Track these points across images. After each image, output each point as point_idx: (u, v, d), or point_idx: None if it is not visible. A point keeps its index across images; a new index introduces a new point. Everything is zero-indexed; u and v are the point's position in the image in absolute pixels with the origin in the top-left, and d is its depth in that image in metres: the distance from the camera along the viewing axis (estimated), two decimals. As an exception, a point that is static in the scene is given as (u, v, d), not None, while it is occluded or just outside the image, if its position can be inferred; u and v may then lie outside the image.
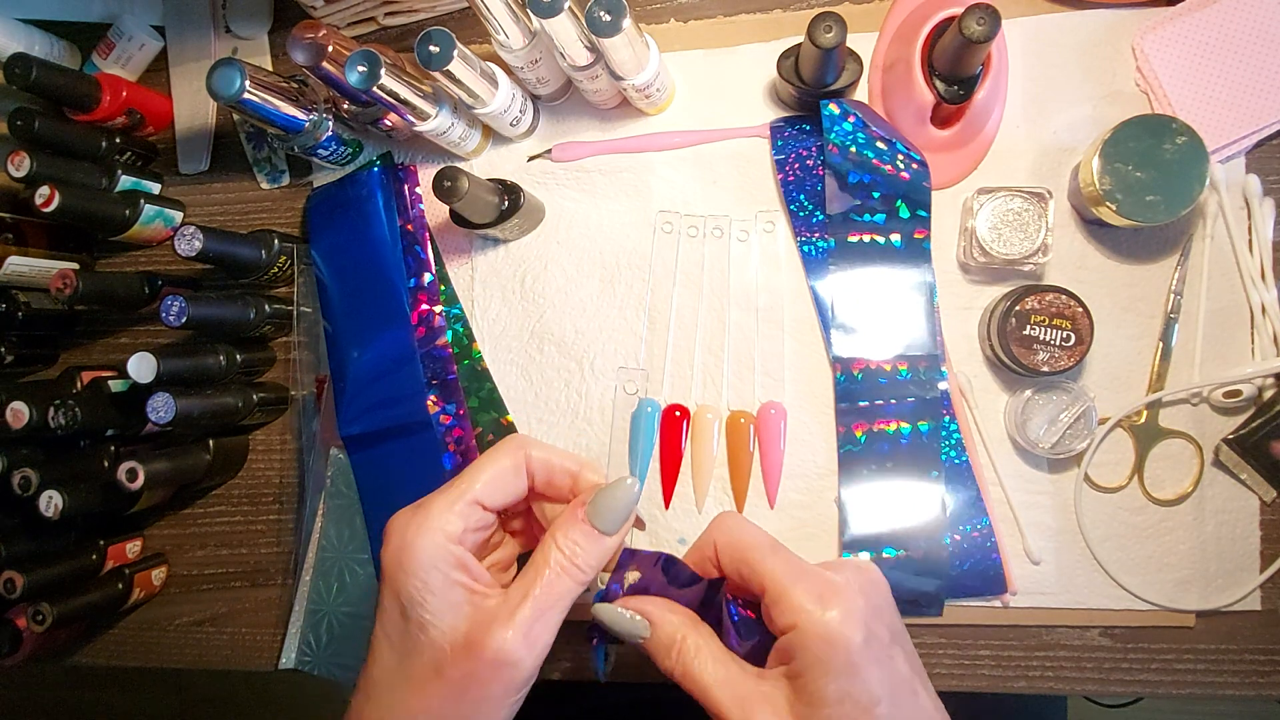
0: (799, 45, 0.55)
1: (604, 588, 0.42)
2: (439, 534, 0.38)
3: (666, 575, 0.41)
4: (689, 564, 0.42)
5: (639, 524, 0.45)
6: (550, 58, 0.56)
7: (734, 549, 0.40)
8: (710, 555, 0.42)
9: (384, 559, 0.39)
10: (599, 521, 0.40)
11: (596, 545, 0.40)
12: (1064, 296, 0.52)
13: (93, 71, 0.68)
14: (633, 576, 0.42)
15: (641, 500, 0.59)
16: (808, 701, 0.35)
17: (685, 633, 0.39)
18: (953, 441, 0.56)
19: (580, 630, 0.58)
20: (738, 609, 0.41)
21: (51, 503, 0.56)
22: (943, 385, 0.56)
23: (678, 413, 0.59)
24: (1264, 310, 0.54)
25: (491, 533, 0.43)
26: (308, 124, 0.60)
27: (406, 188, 0.65)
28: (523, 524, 0.47)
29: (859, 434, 0.57)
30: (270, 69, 0.66)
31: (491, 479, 0.40)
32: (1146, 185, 0.51)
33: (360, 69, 0.52)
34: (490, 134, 0.65)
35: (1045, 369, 0.52)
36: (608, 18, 0.49)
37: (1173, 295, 0.56)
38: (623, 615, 0.40)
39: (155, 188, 0.69)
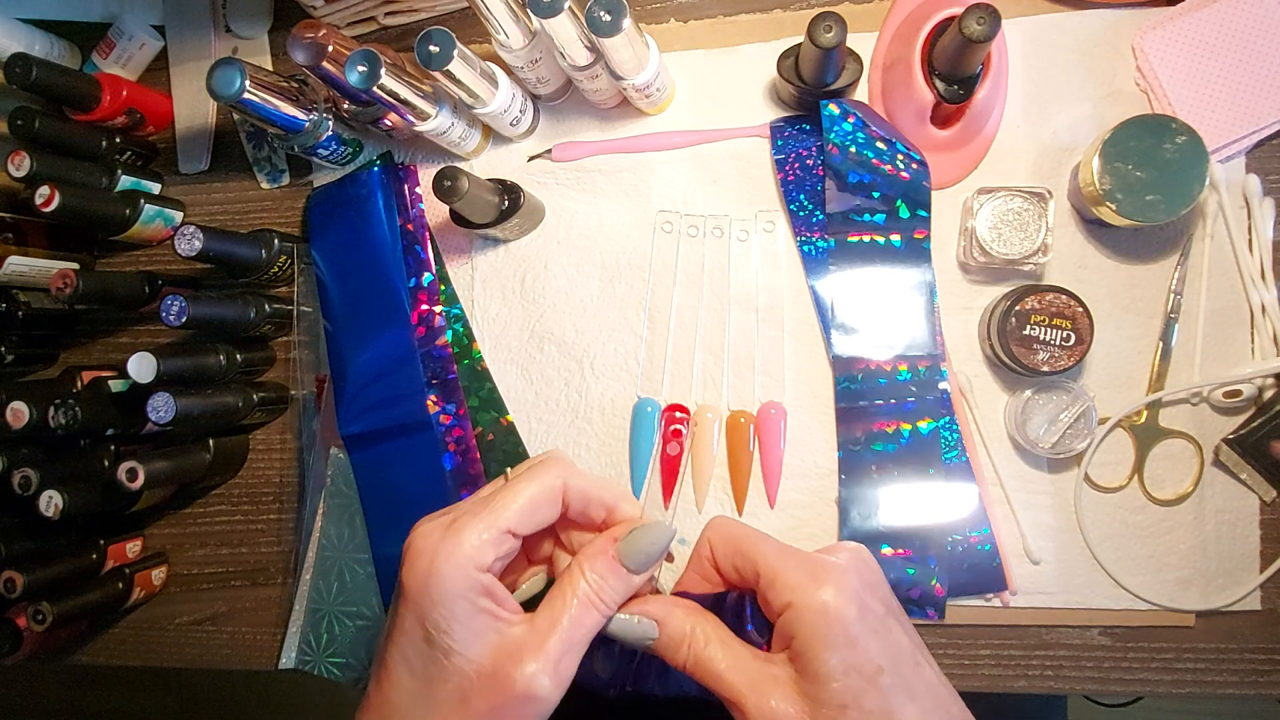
0: (799, 45, 0.55)
1: None
2: (469, 564, 0.37)
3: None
4: (691, 569, 0.43)
5: (668, 557, 0.45)
6: (550, 58, 0.56)
7: (727, 542, 0.41)
8: (707, 555, 0.42)
9: (408, 579, 0.37)
10: (629, 561, 0.39)
11: (623, 582, 0.39)
12: (1064, 296, 0.52)
13: (93, 71, 0.68)
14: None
15: (642, 500, 0.59)
16: (812, 679, 0.36)
17: (693, 624, 0.39)
18: (953, 441, 0.56)
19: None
20: (753, 606, 0.41)
21: (51, 502, 0.56)
22: (943, 385, 0.56)
23: (678, 413, 0.59)
24: (1264, 310, 0.54)
25: (516, 553, 0.42)
26: (308, 124, 0.60)
27: (406, 188, 0.65)
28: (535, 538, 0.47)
29: (859, 434, 0.57)
30: (270, 69, 0.66)
31: (527, 507, 0.39)
32: (1146, 185, 0.51)
33: (360, 69, 0.52)
34: (490, 134, 0.65)
35: (1045, 369, 0.52)
36: (608, 18, 0.49)
37: (1173, 295, 0.56)
38: (630, 621, 0.39)
39: (155, 187, 0.69)
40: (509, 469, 0.43)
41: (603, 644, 0.42)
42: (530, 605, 0.40)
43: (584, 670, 0.38)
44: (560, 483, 0.40)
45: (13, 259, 0.62)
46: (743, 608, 0.41)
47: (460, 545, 0.37)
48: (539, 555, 0.45)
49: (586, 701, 0.43)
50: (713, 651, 0.38)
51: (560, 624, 0.37)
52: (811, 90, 0.56)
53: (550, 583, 0.45)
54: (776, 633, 0.38)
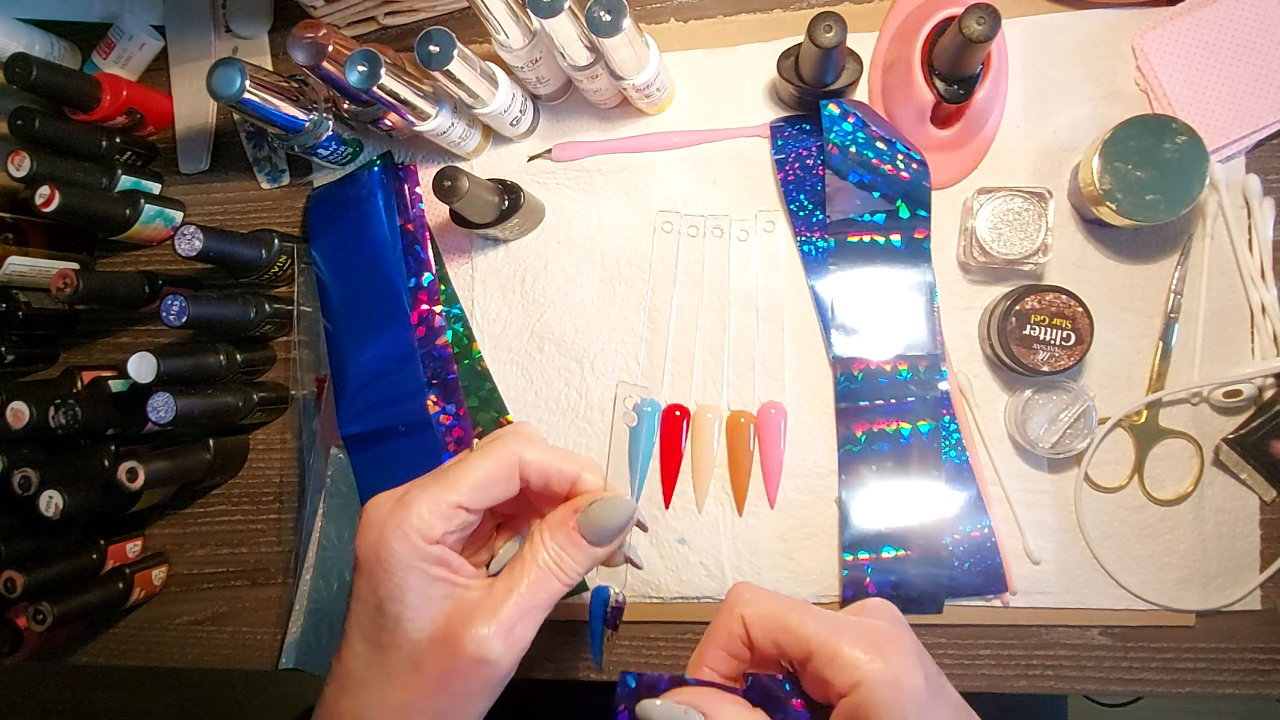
0: (799, 45, 0.55)
1: (638, 675, 0.37)
2: (417, 535, 0.37)
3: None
4: (715, 645, 0.39)
5: (641, 526, 0.44)
6: (550, 58, 0.56)
7: (766, 619, 0.37)
8: (739, 632, 0.38)
9: (360, 549, 0.38)
10: (589, 534, 0.39)
11: (584, 554, 0.39)
12: (1064, 296, 0.52)
13: (93, 71, 0.68)
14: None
15: (642, 500, 0.59)
16: None
17: None
18: (953, 441, 0.56)
19: (582, 631, 0.58)
20: (796, 694, 0.37)
21: (52, 502, 0.56)
22: (943, 385, 0.56)
23: (678, 413, 0.59)
24: (1264, 310, 0.54)
25: (477, 525, 0.42)
26: (308, 124, 0.60)
27: (406, 187, 0.65)
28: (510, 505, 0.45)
29: (859, 434, 0.57)
30: (270, 69, 0.66)
31: (480, 483, 0.38)
32: (1146, 185, 0.51)
33: (360, 69, 0.52)
34: (490, 134, 0.65)
35: (1045, 369, 0.52)
36: (608, 18, 0.49)
37: (1173, 295, 0.56)
38: (675, 710, 0.35)
39: (155, 187, 0.69)
40: (477, 440, 0.43)
41: None
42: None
43: None
44: (515, 459, 0.40)
45: (13, 259, 0.62)
46: (778, 695, 0.37)
47: (408, 518, 0.37)
48: (515, 525, 0.45)
49: (592, 704, 0.42)
50: None
51: (517, 589, 0.37)
52: (811, 90, 0.56)
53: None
54: (840, 714, 0.35)
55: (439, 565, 0.37)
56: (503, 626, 0.36)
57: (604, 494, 0.40)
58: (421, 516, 0.37)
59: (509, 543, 0.45)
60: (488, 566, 0.43)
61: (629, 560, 0.45)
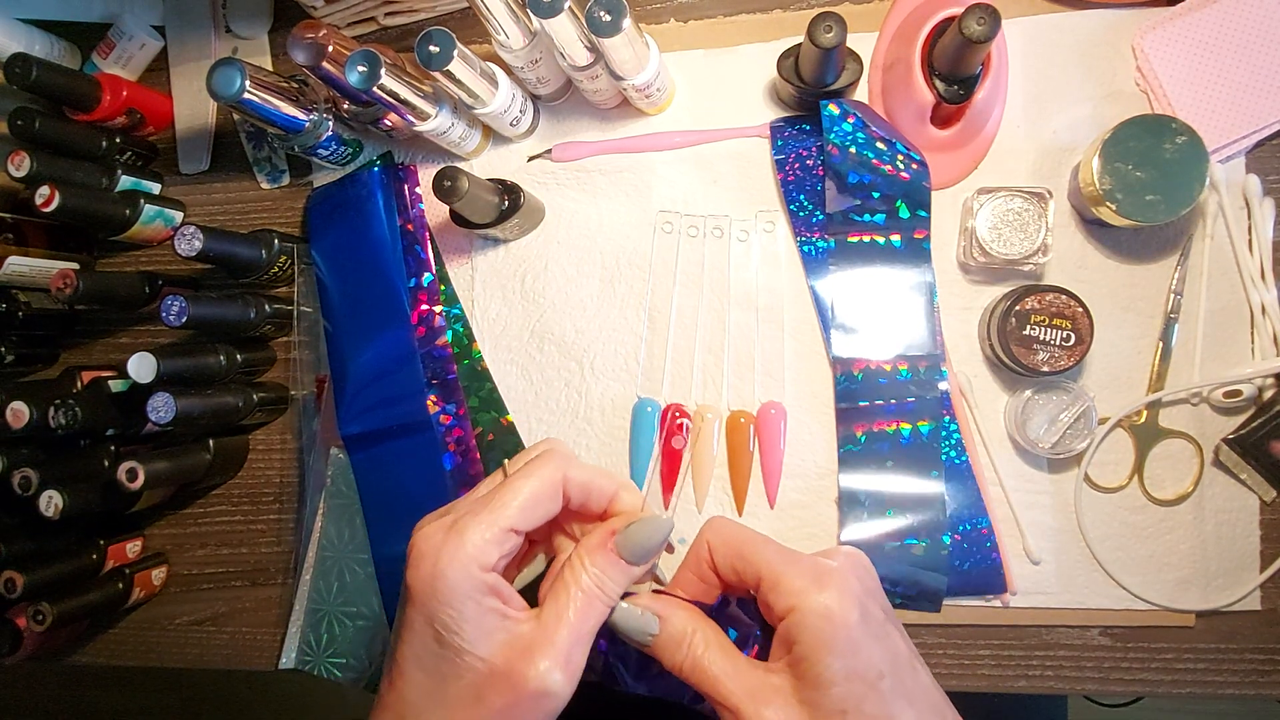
0: (799, 45, 0.55)
1: None
2: (474, 564, 0.37)
3: None
4: (687, 570, 0.43)
5: (668, 548, 0.45)
6: (550, 58, 0.56)
7: (727, 545, 0.41)
8: (705, 557, 0.42)
9: (413, 581, 0.37)
10: (628, 554, 0.39)
11: (623, 574, 0.39)
12: (1064, 296, 0.52)
13: (93, 71, 0.68)
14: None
15: (647, 505, 0.59)
16: (814, 684, 0.36)
17: (694, 627, 0.39)
18: (953, 441, 0.56)
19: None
20: (753, 613, 0.41)
21: (51, 502, 0.56)
22: (943, 385, 0.56)
23: (678, 413, 0.59)
24: (1264, 310, 0.54)
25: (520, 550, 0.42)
26: (308, 124, 0.60)
27: (406, 188, 0.65)
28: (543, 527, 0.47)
29: (859, 434, 0.57)
30: (270, 69, 0.66)
31: (528, 504, 0.39)
32: (1146, 185, 0.51)
33: (360, 69, 0.52)
34: (490, 134, 0.65)
35: (1045, 369, 0.52)
36: (608, 18, 0.49)
37: (1173, 295, 0.56)
38: (633, 612, 0.40)
39: (155, 187, 0.69)
40: (506, 460, 0.43)
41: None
42: (529, 588, 0.40)
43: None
44: (560, 476, 0.40)
45: (13, 259, 0.62)
46: (740, 616, 0.41)
47: (463, 546, 0.37)
48: (538, 539, 0.45)
49: (590, 702, 0.43)
50: (711, 656, 0.38)
51: (567, 618, 0.38)
52: (811, 90, 0.56)
53: (549, 564, 0.45)
54: (777, 639, 0.38)
55: (492, 596, 0.37)
56: (561, 657, 0.37)
57: (640, 514, 0.41)
58: (476, 544, 0.37)
59: (533, 562, 0.45)
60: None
61: (656, 579, 0.45)
